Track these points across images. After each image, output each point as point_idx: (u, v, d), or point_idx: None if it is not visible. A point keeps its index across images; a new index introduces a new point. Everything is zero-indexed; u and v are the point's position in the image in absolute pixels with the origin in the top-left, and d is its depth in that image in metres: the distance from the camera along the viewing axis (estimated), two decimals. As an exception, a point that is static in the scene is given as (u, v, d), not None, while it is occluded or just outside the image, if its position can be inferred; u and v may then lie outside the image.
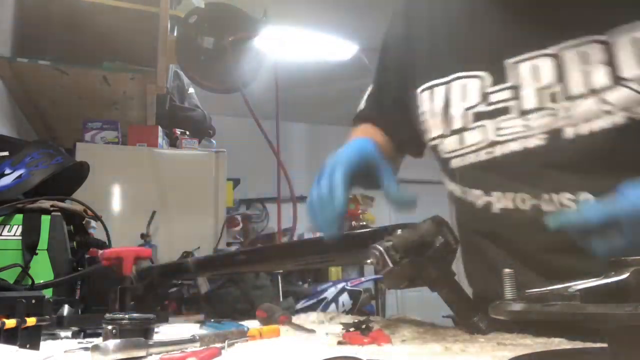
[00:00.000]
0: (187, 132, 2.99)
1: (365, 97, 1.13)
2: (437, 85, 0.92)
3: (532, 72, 0.80)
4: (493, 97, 0.84)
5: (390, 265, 0.65)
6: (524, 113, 0.81)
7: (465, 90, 0.87)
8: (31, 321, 0.62)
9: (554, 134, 0.78)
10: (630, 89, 0.73)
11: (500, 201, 0.84)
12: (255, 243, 2.86)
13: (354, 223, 5.05)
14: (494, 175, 0.84)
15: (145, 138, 2.67)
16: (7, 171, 1.41)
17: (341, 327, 0.78)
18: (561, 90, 0.78)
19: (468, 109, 0.87)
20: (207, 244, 2.61)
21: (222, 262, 1.03)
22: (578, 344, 0.64)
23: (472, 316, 0.73)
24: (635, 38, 0.74)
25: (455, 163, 0.90)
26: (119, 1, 2.27)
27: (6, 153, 1.49)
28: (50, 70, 2.15)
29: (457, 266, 0.81)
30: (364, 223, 5.11)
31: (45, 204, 1.29)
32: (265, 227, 5.89)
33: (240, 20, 2.56)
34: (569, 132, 0.77)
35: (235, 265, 0.98)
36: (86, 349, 0.66)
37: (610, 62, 0.75)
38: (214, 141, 3.19)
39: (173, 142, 2.89)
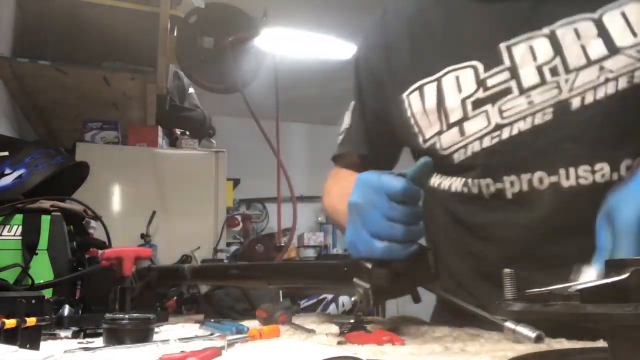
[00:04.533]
0: (187, 132, 2.99)
1: (345, 123, 1.09)
2: (426, 83, 0.88)
3: (529, 52, 0.81)
4: (490, 82, 0.82)
5: (372, 305, 0.65)
6: (526, 90, 0.80)
7: (459, 81, 0.85)
8: (31, 321, 0.62)
9: (561, 107, 0.78)
10: (627, 55, 0.76)
11: (514, 186, 0.80)
12: (255, 243, 2.85)
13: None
14: (503, 160, 0.81)
15: (145, 138, 2.67)
16: (7, 171, 1.41)
17: (341, 326, 0.78)
18: (561, 63, 0.79)
19: (465, 98, 0.84)
20: (207, 244, 2.61)
21: (215, 273, 1.05)
22: (578, 344, 0.64)
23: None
24: (624, 12, 0.77)
25: (457, 157, 0.86)
26: (119, 1, 2.28)
27: (6, 153, 1.49)
28: (50, 70, 2.15)
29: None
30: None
31: (45, 204, 1.29)
32: (265, 227, 5.90)
33: (240, 20, 2.56)
34: (576, 103, 0.77)
35: (227, 279, 1.01)
36: (86, 349, 0.66)
37: (604, 36, 0.77)
38: (214, 141, 3.20)
39: (173, 142, 2.90)
